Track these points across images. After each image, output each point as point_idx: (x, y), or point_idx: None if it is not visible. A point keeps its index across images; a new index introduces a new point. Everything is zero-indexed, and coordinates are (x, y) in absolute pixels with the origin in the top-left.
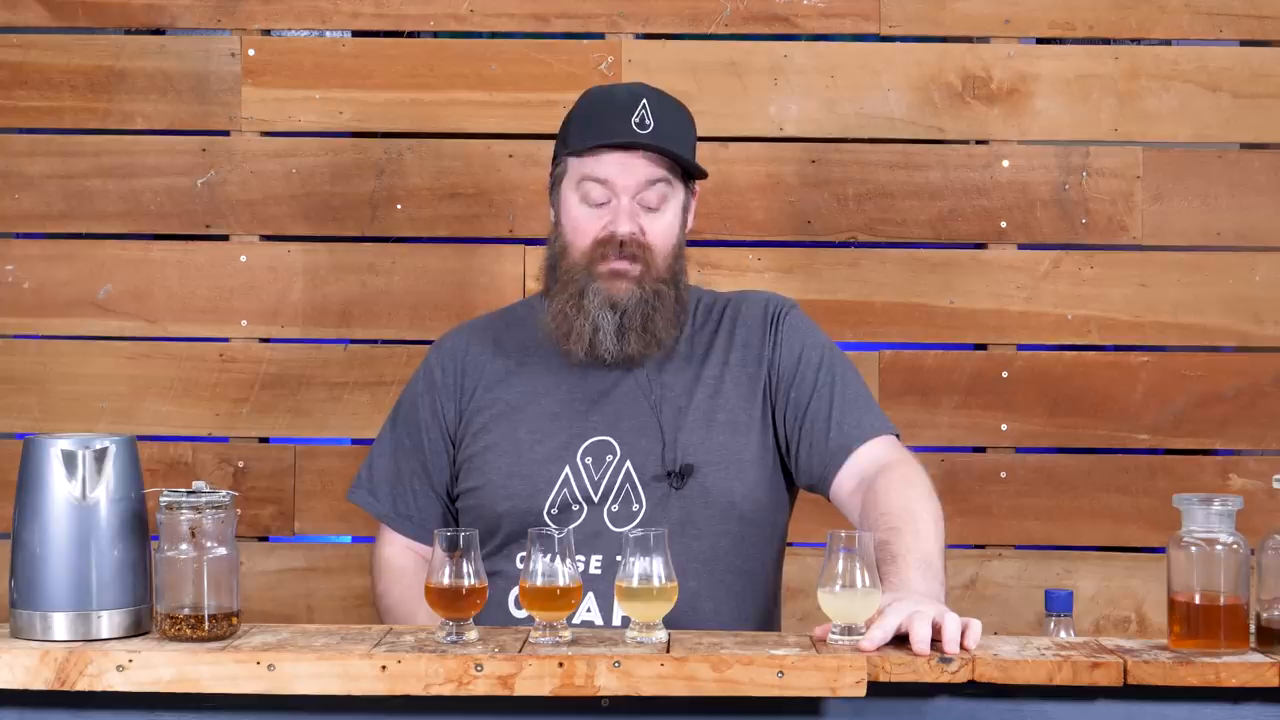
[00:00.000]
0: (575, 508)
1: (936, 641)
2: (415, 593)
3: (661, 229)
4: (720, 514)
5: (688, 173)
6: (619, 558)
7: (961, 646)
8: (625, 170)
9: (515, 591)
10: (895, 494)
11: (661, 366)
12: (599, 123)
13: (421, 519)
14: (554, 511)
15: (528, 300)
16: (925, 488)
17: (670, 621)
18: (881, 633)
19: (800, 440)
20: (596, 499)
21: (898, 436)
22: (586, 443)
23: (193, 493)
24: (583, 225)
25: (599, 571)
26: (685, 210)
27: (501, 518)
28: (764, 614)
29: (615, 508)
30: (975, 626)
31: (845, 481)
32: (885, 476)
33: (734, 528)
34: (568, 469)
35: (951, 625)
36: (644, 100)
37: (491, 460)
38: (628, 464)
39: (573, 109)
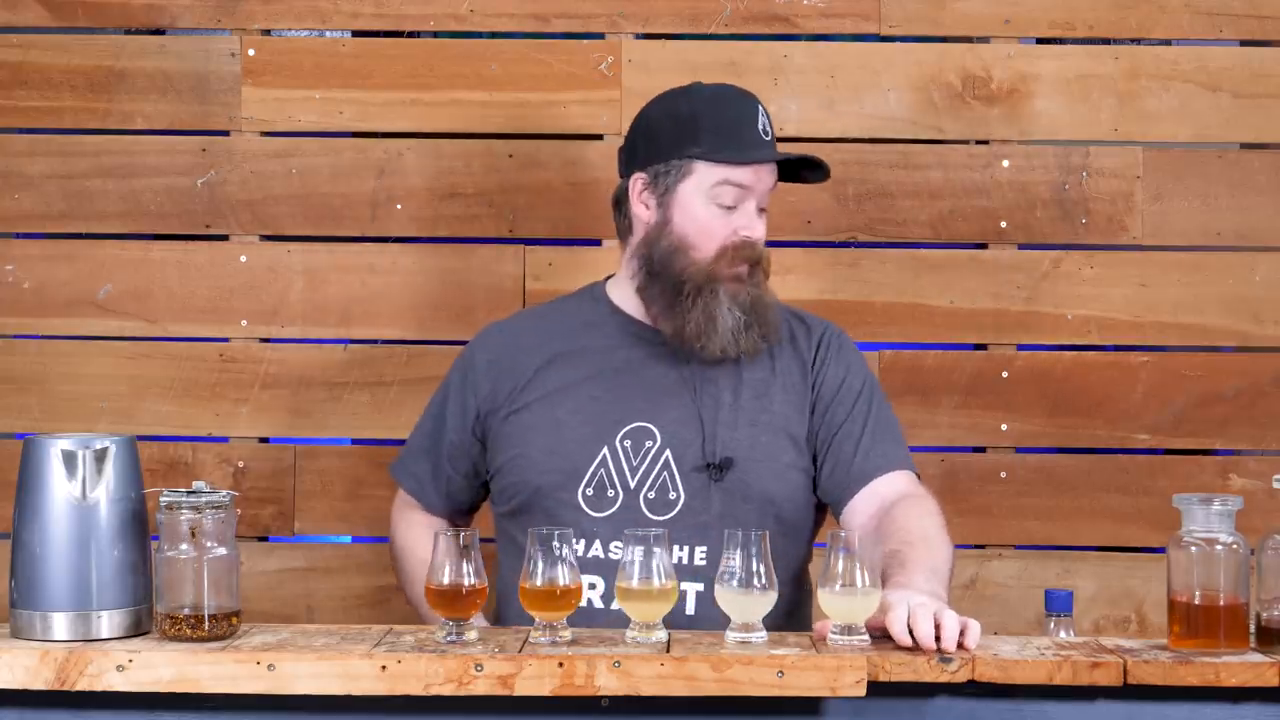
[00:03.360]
0: (611, 493)
1: (935, 640)
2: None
3: (765, 229)
4: (758, 510)
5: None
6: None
7: (960, 646)
8: (761, 178)
9: None
10: (914, 519)
11: (707, 363)
12: (738, 132)
13: (451, 495)
14: (589, 493)
15: (583, 290)
16: (941, 521)
17: (702, 616)
18: (900, 626)
19: (827, 459)
20: (633, 485)
21: (918, 476)
22: (626, 427)
23: (193, 493)
24: (711, 228)
25: None
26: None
27: (536, 494)
28: (796, 617)
29: (652, 495)
30: (974, 627)
31: (861, 505)
32: (904, 504)
33: (771, 526)
34: (605, 450)
35: (950, 622)
36: (760, 108)
37: (531, 438)
38: (667, 453)
39: (688, 109)
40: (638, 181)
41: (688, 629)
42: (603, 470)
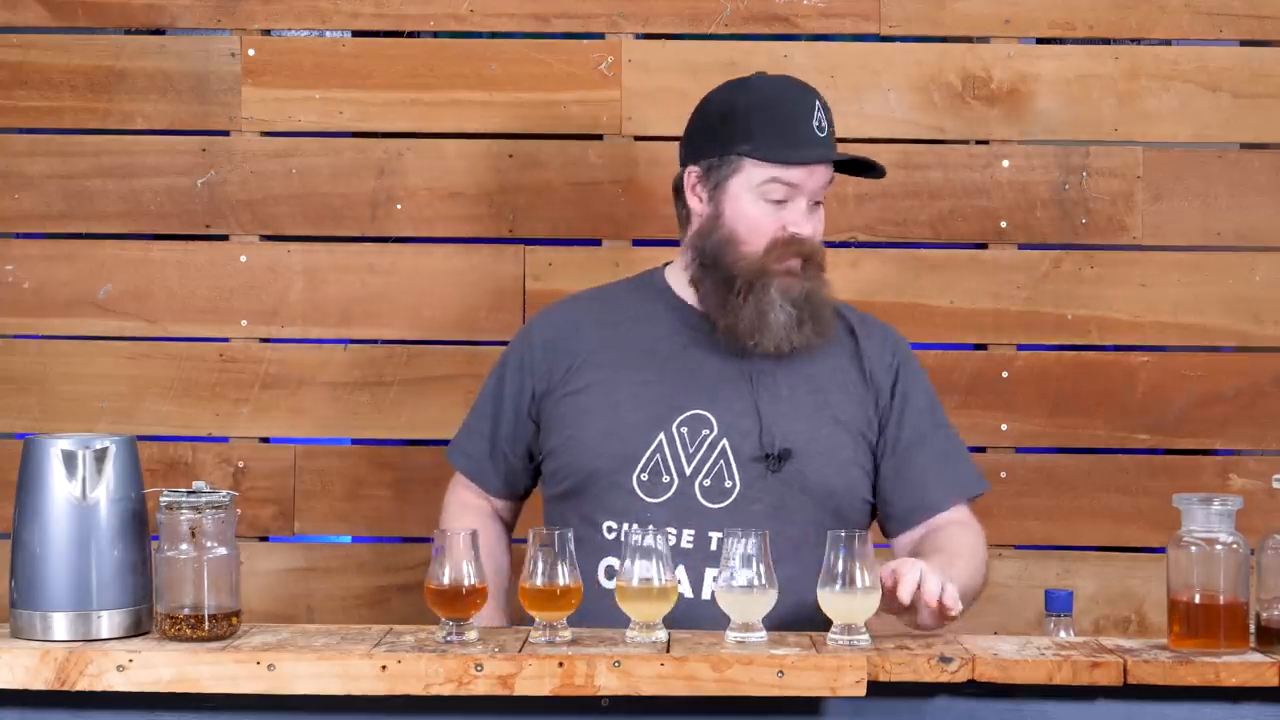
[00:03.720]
0: (665, 479)
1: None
2: (470, 519)
3: (821, 223)
4: (816, 503)
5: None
6: (711, 533)
7: (940, 604)
8: (812, 175)
9: (606, 561)
10: (957, 541)
11: (783, 369)
12: (790, 129)
13: (508, 477)
14: (644, 477)
15: (641, 276)
16: (983, 555)
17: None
18: (903, 584)
19: (889, 477)
20: (689, 472)
21: (978, 495)
22: (684, 414)
23: (193, 493)
24: (761, 224)
25: (690, 545)
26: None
27: (591, 478)
28: None
29: (707, 483)
30: (952, 588)
31: (914, 534)
32: (954, 529)
33: (828, 519)
34: (662, 435)
35: (931, 581)
36: (816, 101)
37: (586, 421)
38: (724, 442)
39: (743, 103)
40: (691, 174)
41: None
42: (659, 456)
